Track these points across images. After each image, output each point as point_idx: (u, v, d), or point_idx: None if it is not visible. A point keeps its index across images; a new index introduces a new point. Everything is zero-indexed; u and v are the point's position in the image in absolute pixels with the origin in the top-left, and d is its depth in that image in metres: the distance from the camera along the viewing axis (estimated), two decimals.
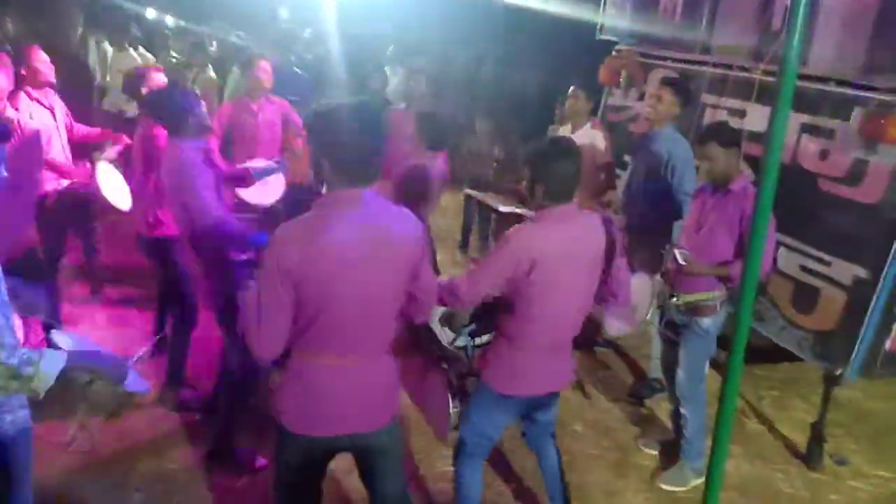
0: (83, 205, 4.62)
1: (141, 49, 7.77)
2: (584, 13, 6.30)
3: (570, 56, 8.12)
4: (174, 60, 7.68)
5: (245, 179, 3.98)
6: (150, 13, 11.88)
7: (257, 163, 4.29)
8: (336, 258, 2.03)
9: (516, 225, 2.64)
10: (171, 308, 4.06)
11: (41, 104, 4.28)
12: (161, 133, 3.55)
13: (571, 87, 4.86)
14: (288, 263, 1.99)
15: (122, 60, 7.55)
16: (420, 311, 2.39)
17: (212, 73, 6.94)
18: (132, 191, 4.04)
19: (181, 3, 11.03)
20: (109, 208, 4.22)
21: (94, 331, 4.66)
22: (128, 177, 4.14)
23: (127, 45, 7.62)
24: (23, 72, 4.21)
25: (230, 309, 2.30)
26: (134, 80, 4.14)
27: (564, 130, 4.95)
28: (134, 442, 3.61)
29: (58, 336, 2.20)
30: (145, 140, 3.76)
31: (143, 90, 4.00)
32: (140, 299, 5.03)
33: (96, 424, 3.64)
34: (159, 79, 4.09)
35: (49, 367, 1.83)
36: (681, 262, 3.30)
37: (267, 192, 4.46)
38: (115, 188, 4.18)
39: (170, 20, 11.06)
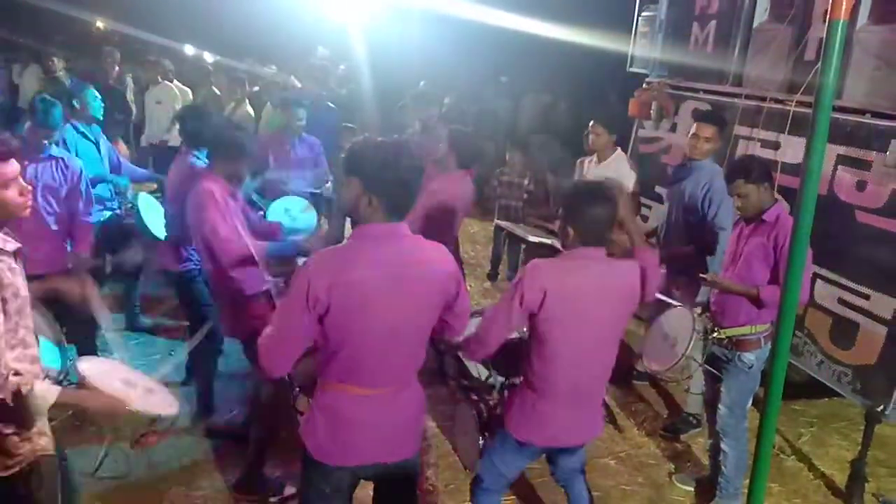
0: (124, 234, 4.74)
1: (176, 82, 8.00)
2: (614, 46, 6.34)
3: (601, 88, 8.18)
4: (216, 94, 7.91)
5: (274, 235, 3.84)
6: (189, 49, 12.29)
7: (292, 202, 4.33)
8: (365, 292, 2.04)
9: (534, 260, 2.62)
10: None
11: (86, 138, 4.44)
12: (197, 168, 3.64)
13: (591, 123, 4.86)
14: (317, 291, 2.01)
15: (160, 92, 7.79)
16: (453, 334, 2.39)
17: (249, 108, 7.12)
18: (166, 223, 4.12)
19: (218, 39, 11.39)
20: (148, 239, 4.32)
21: (129, 359, 4.71)
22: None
23: (160, 79, 7.87)
24: (75, 104, 4.38)
25: (253, 340, 2.34)
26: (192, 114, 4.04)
27: (591, 163, 4.95)
28: (162, 469, 3.63)
29: (83, 362, 2.27)
30: (181, 173, 3.85)
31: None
32: (172, 329, 5.13)
33: (124, 450, 3.67)
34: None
35: (38, 400, 1.93)
36: (704, 276, 3.35)
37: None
38: (155, 219, 4.28)
39: (208, 56, 11.41)
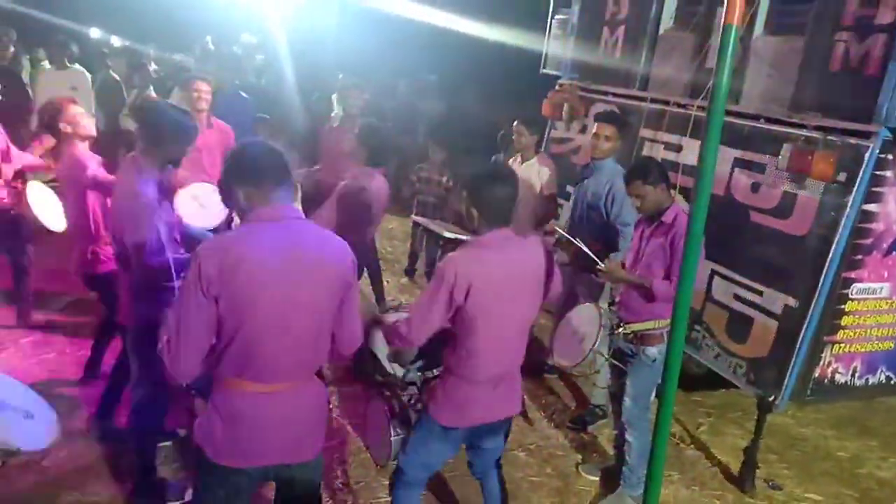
0: (14, 226, 4.44)
1: (76, 65, 7.54)
2: (529, 46, 6.44)
3: (516, 88, 8.33)
4: (115, 80, 7.50)
5: None
6: (95, 32, 11.63)
7: (200, 188, 4.15)
8: (256, 271, 2.00)
9: (449, 254, 2.63)
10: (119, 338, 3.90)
11: None
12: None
13: (515, 123, 4.89)
14: (208, 272, 1.95)
15: (58, 79, 7.31)
16: (341, 350, 2.33)
17: (153, 94, 6.80)
18: (70, 221, 3.82)
19: (125, 22, 10.86)
20: (42, 230, 4.07)
21: (20, 357, 4.45)
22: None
23: (66, 63, 7.40)
24: None
25: (144, 330, 2.19)
26: (48, 111, 3.80)
27: (513, 163, 5.00)
28: (54, 476, 3.42)
29: None
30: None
31: (61, 123, 3.68)
32: (69, 325, 4.87)
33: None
34: (76, 110, 3.72)
35: None
36: (600, 268, 3.47)
37: (207, 215, 4.30)
38: (47, 208, 4.02)
39: (115, 40, 10.84)
